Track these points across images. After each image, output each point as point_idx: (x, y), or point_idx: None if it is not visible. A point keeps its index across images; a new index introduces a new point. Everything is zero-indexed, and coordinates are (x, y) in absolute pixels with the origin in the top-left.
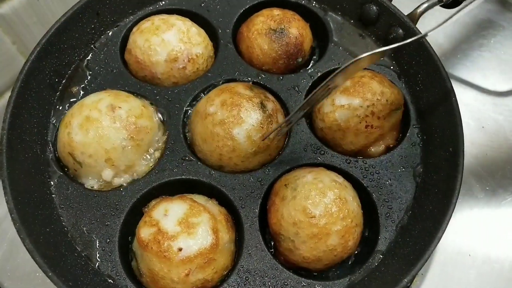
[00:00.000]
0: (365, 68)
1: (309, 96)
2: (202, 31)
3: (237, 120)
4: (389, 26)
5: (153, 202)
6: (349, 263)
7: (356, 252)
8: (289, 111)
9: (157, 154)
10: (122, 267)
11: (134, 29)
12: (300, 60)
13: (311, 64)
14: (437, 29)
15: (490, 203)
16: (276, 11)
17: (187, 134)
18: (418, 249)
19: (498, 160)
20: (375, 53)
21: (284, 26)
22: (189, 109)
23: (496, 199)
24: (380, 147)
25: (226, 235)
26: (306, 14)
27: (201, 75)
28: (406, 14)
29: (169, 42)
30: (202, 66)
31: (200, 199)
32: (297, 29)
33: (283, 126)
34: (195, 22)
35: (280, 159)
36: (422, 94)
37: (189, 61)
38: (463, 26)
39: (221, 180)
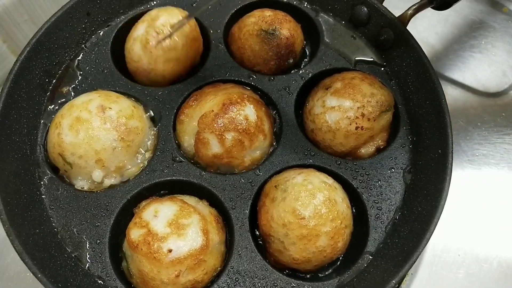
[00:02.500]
0: (355, 70)
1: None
2: None
3: None
4: (380, 28)
5: (144, 203)
6: (338, 264)
7: (345, 253)
8: (280, 112)
9: (148, 154)
10: (112, 268)
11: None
12: (291, 61)
13: (302, 65)
14: (429, 30)
15: (481, 203)
16: (268, 12)
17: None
18: (406, 251)
19: (489, 160)
20: None
21: (276, 27)
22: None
23: (487, 200)
24: (370, 148)
25: (216, 236)
26: (297, 15)
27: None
28: (397, 15)
29: None
30: None
31: (190, 200)
32: (288, 30)
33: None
34: None
35: (270, 160)
36: (413, 95)
37: None
38: (454, 27)
39: (212, 181)
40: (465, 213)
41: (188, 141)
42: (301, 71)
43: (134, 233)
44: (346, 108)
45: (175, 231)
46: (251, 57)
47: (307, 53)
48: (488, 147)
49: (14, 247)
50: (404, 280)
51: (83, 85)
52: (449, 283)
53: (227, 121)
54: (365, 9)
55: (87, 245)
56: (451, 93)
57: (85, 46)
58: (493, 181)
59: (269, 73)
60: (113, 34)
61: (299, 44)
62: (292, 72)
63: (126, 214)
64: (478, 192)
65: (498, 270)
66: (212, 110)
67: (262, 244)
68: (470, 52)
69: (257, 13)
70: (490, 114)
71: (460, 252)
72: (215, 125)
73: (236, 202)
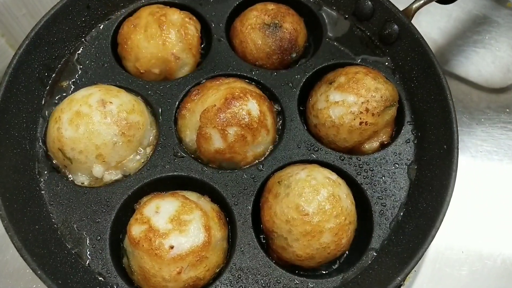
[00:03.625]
0: (359, 64)
1: None
2: None
3: None
4: (384, 22)
5: (145, 199)
6: (342, 260)
7: (349, 249)
8: (283, 107)
9: (149, 150)
10: (113, 264)
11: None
12: (294, 55)
13: (305, 60)
14: (432, 25)
15: (484, 200)
16: (270, 6)
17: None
18: (411, 247)
19: (492, 156)
20: None
21: (278, 20)
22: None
23: (490, 197)
24: (374, 144)
25: (218, 233)
26: (300, 8)
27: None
28: (401, 9)
29: None
30: None
31: (192, 196)
32: (291, 24)
33: None
34: None
35: (273, 156)
36: (417, 90)
37: None
38: (458, 22)
39: (214, 176)
40: (468, 210)
41: (189, 136)
42: (304, 66)
43: (135, 229)
44: (350, 103)
45: (176, 227)
46: (253, 51)
47: (310, 47)
48: (492, 143)
49: (13, 243)
50: (407, 277)
51: (83, 79)
52: (453, 280)
53: (229, 116)
54: (369, 2)
55: (88, 242)
56: (454, 89)
57: (85, 39)
58: (497, 178)
59: (271, 68)
60: (114, 28)
61: (302, 38)
62: (295, 66)
63: (127, 210)
64: (482, 188)
65: (502, 268)
66: (215, 105)
67: (265, 241)
68: (473, 48)
69: (259, 6)
70: (494, 110)
71: (464, 250)
72: (217, 120)
73: (238, 198)
